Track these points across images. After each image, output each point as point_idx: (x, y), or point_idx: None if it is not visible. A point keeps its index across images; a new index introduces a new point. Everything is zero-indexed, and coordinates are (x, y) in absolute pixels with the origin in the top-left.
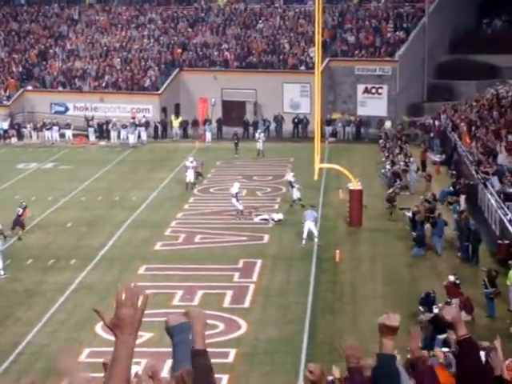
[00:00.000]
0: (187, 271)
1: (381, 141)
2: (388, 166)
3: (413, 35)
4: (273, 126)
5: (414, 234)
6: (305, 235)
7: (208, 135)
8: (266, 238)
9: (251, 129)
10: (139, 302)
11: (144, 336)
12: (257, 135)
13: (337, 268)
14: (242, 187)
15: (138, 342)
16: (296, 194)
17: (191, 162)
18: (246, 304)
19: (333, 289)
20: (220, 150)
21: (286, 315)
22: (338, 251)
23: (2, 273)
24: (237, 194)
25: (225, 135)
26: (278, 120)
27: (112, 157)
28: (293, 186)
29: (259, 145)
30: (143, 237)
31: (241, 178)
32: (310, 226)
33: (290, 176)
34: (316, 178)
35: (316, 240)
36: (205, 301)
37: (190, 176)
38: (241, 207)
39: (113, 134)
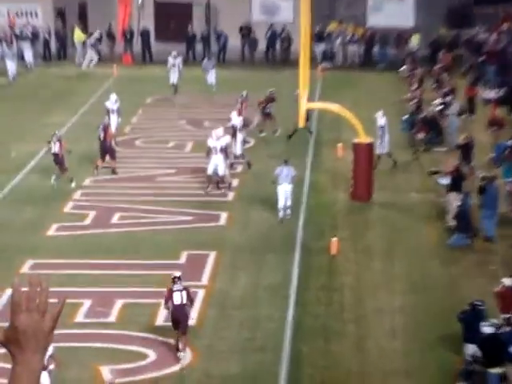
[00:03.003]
0: (99, 269)
1: (405, 66)
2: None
3: None
4: (235, 43)
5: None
6: (280, 204)
7: (174, 76)
8: (224, 217)
9: (199, 47)
10: (46, 303)
11: None
12: (205, 63)
13: (333, 266)
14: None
15: None
16: (239, 148)
17: (115, 101)
18: (191, 320)
19: (327, 298)
20: (150, 79)
21: (255, 339)
22: (334, 239)
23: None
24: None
25: (160, 56)
26: (245, 34)
27: None
28: (235, 133)
29: (210, 77)
30: (29, 217)
31: (184, 124)
32: (286, 190)
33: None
34: (301, 125)
35: (288, 212)
36: (126, 316)
37: (113, 123)
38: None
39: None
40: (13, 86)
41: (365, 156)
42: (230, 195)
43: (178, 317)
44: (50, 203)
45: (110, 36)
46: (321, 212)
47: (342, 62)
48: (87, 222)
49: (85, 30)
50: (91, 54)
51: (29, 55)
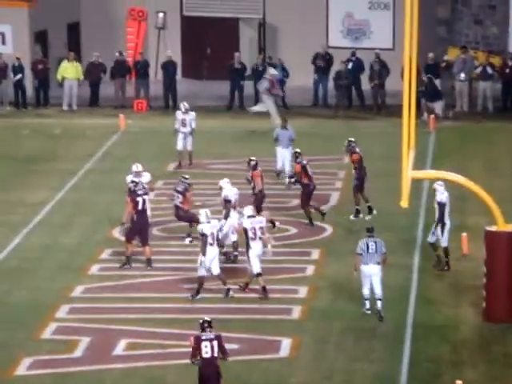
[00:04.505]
0: None
1: None
2: None
3: None
4: (302, 80)
5: None
6: (366, 293)
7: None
8: (286, 345)
9: (249, 86)
10: None
11: None
12: (280, 133)
13: None
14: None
15: None
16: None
17: (137, 173)
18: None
19: None
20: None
21: None
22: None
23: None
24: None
25: (190, 99)
26: (322, 66)
27: None
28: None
29: (282, 157)
30: None
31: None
32: (373, 273)
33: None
34: (405, 204)
35: (379, 306)
36: None
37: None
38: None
39: None
40: None
41: (506, 252)
42: (296, 311)
43: (208, 374)
44: (19, 324)
45: (120, 71)
46: (435, 339)
47: (467, 107)
48: (77, 353)
49: (78, 60)
50: (266, 101)
51: None
